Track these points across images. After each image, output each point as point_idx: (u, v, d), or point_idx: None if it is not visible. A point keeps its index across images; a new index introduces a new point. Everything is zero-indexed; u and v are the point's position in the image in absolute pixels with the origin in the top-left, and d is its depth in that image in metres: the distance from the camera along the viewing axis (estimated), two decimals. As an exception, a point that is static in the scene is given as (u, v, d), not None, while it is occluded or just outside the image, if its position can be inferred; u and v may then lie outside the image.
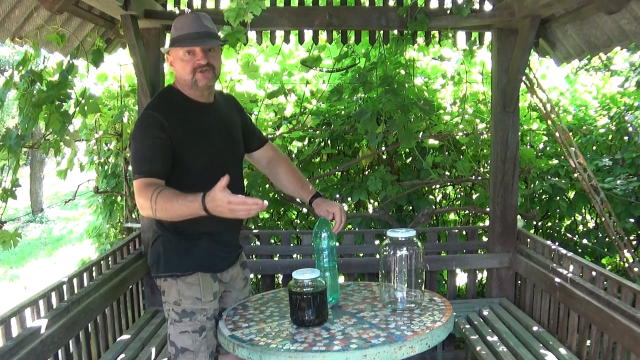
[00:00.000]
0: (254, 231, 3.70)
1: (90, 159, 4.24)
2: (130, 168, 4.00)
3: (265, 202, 1.70)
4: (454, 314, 1.98)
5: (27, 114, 2.79)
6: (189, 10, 3.23)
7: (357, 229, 3.92)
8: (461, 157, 3.96)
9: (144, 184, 1.82)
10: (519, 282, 3.37)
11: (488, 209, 3.51)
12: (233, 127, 2.13)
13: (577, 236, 4.18)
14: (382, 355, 1.65)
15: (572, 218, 4.27)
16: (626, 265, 3.39)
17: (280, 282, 3.70)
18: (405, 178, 4.09)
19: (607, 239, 3.87)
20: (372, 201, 4.31)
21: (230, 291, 2.14)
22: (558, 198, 3.96)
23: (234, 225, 2.12)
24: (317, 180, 4.08)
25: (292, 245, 3.60)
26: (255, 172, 3.67)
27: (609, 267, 4.26)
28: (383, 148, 4.01)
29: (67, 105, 2.97)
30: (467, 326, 3.04)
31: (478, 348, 2.75)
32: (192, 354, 1.96)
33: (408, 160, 4.27)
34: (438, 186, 4.30)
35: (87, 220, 5.23)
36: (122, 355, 2.61)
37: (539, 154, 4.24)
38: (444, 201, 4.49)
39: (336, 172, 4.22)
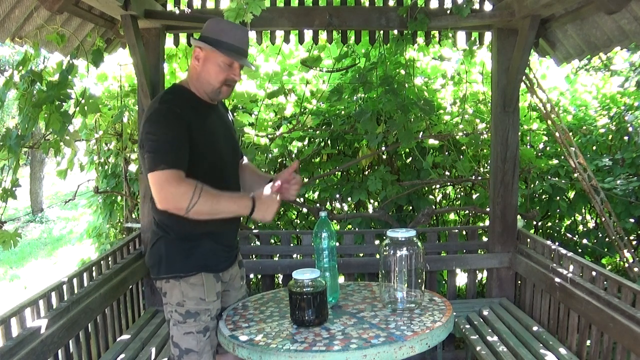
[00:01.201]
0: (254, 231, 3.70)
1: (90, 159, 4.25)
2: (130, 168, 4.02)
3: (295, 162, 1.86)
4: (454, 314, 1.98)
5: (27, 114, 2.79)
6: (189, 10, 3.22)
7: (357, 229, 3.92)
8: (461, 157, 3.96)
9: (179, 175, 1.78)
10: (519, 282, 3.37)
11: (488, 209, 3.51)
12: (231, 130, 2.16)
13: (577, 236, 4.18)
14: (382, 355, 1.65)
15: (572, 218, 4.27)
16: (626, 265, 3.39)
17: (280, 282, 3.70)
18: (405, 178, 4.09)
19: (607, 239, 3.87)
20: (372, 201, 4.31)
21: (229, 290, 2.15)
22: (558, 198, 3.96)
23: (234, 225, 2.13)
24: (317, 180, 4.08)
25: (292, 245, 3.60)
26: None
27: (609, 267, 4.26)
28: (383, 148, 4.01)
29: (67, 105, 2.97)
30: (467, 326, 3.04)
31: (478, 348, 2.75)
32: (196, 355, 1.95)
33: (408, 160, 4.27)
34: (438, 186, 4.30)
35: (87, 220, 5.23)
36: (122, 355, 2.61)
37: (539, 154, 4.24)
38: (444, 201, 4.49)
39: (336, 172, 4.22)
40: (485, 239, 3.56)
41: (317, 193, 4.26)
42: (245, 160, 2.30)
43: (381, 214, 3.79)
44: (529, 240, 3.28)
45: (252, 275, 3.84)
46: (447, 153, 4.00)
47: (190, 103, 1.95)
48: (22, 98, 2.86)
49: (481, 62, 4.06)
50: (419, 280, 1.97)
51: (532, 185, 4.07)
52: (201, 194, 1.77)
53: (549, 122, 3.67)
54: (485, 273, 3.62)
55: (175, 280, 1.95)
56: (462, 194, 4.38)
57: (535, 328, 2.88)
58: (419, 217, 3.68)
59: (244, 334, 1.83)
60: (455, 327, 2.93)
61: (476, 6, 3.19)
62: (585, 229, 4.26)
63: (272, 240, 3.85)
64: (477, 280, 3.74)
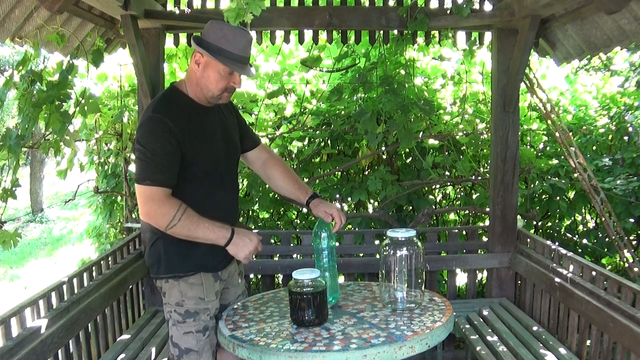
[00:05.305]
0: (254, 231, 3.70)
1: (90, 159, 4.25)
2: (130, 168, 4.02)
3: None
4: (454, 314, 1.98)
5: (27, 114, 2.79)
6: (189, 10, 3.22)
7: (357, 229, 3.91)
8: (461, 157, 3.96)
9: (163, 194, 1.83)
10: (519, 282, 3.37)
11: (488, 209, 3.51)
12: (231, 130, 2.14)
13: (577, 236, 4.18)
14: (382, 355, 1.65)
15: (572, 218, 4.27)
16: (626, 265, 3.39)
17: (280, 282, 3.69)
18: (405, 178, 4.09)
19: (607, 239, 3.87)
20: (372, 201, 4.31)
21: (229, 287, 2.15)
22: (558, 198, 3.96)
23: (232, 224, 2.12)
24: (317, 180, 4.08)
25: (292, 245, 3.60)
26: (255, 172, 3.67)
27: (609, 267, 4.26)
28: (383, 148, 4.01)
29: (67, 105, 2.97)
30: (467, 326, 3.04)
31: (478, 348, 2.75)
32: (196, 354, 1.96)
33: (408, 160, 4.27)
34: (438, 186, 4.30)
35: (87, 220, 5.23)
36: (122, 355, 2.61)
37: (539, 154, 4.24)
38: (444, 201, 4.49)
39: (336, 172, 4.22)
40: (485, 239, 3.56)
41: (317, 193, 4.26)
42: (268, 152, 2.32)
43: (381, 214, 3.79)
44: (529, 240, 3.28)
45: (252, 275, 3.84)
46: (447, 153, 4.00)
47: (185, 109, 1.94)
48: (22, 98, 2.86)
49: (481, 62, 4.06)
50: (419, 280, 1.98)
51: (532, 185, 4.07)
52: (182, 218, 1.82)
53: (549, 122, 3.67)
54: (485, 273, 3.62)
55: (174, 280, 1.96)
56: (462, 194, 4.38)
57: (535, 328, 2.88)
58: (419, 217, 3.68)
59: (244, 334, 1.83)
60: (455, 327, 2.93)
61: (476, 6, 3.19)
62: (585, 229, 4.26)
63: (272, 240, 3.85)
64: (477, 280, 3.73)
